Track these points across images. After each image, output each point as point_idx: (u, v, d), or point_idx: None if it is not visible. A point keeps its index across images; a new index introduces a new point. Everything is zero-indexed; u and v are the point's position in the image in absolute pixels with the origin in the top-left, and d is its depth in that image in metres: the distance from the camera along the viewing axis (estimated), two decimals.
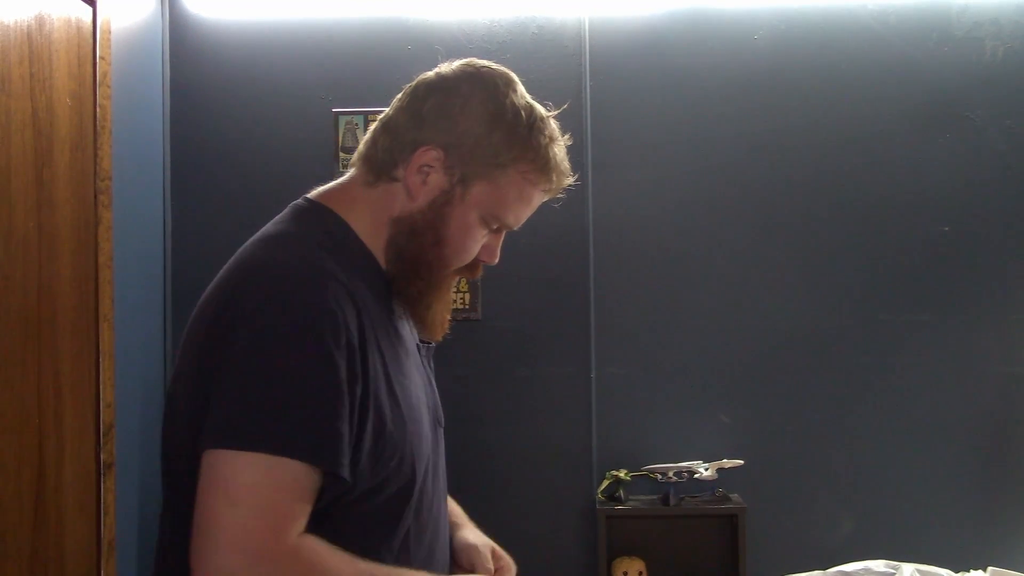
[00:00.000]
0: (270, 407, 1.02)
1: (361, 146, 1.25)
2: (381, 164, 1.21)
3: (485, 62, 1.24)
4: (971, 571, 2.33)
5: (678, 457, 3.04)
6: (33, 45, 2.32)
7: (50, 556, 2.34)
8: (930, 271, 3.08)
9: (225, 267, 1.16)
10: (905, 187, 3.09)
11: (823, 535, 3.05)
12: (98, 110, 2.60)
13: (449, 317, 1.28)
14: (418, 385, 1.24)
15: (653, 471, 2.98)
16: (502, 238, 1.28)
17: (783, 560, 3.04)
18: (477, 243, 1.23)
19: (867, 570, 2.11)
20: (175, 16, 3.16)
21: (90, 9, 2.58)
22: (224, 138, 3.15)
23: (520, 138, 1.18)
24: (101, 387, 2.57)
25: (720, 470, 2.96)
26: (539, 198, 1.25)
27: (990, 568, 2.28)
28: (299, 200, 1.24)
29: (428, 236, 1.19)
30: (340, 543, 1.07)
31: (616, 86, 3.13)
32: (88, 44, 2.58)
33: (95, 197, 2.59)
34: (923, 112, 3.09)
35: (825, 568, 2.34)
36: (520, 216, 1.24)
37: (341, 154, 3.08)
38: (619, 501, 2.99)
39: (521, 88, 1.23)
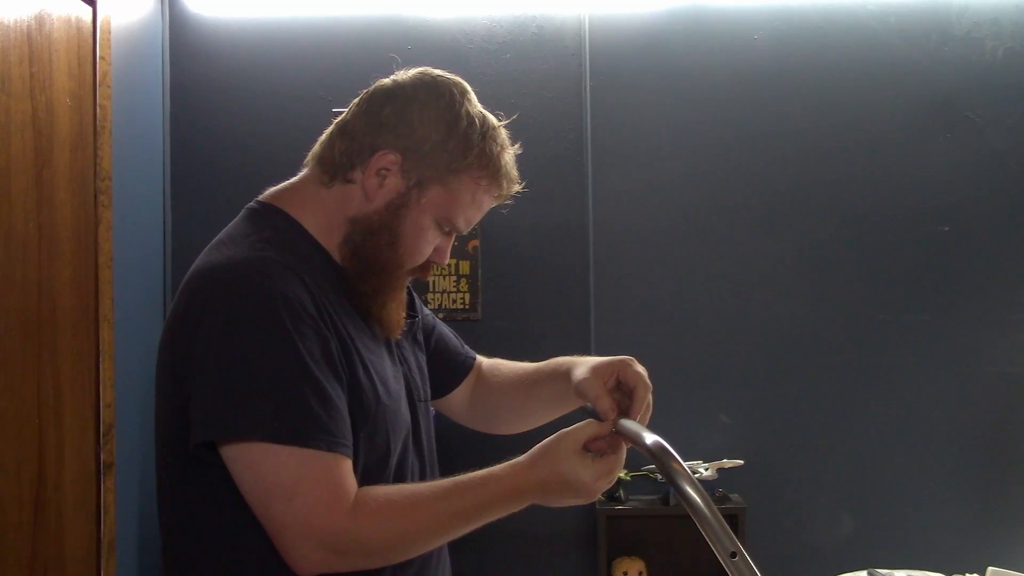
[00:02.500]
0: (257, 397, 1.08)
1: (316, 147, 1.30)
2: (337, 166, 1.25)
3: (439, 72, 1.29)
4: (967, 575, 2.33)
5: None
6: (33, 45, 2.31)
7: (50, 556, 2.34)
8: (930, 271, 3.08)
9: (184, 278, 1.21)
10: (905, 187, 3.09)
11: (823, 535, 3.05)
12: (98, 110, 2.60)
13: (404, 315, 1.33)
14: (389, 366, 1.29)
15: (653, 471, 2.98)
16: (452, 241, 1.33)
17: (783, 560, 3.04)
18: (430, 245, 1.28)
19: None
20: (175, 16, 3.16)
21: (90, 9, 2.58)
22: (224, 138, 3.15)
23: (474, 145, 1.23)
24: (101, 387, 2.57)
25: (720, 470, 2.95)
26: (488, 203, 1.30)
27: (990, 568, 2.28)
28: (251, 203, 1.29)
29: (383, 236, 1.24)
30: None
31: (616, 86, 3.13)
32: (88, 44, 2.57)
33: (95, 197, 2.59)
34: (923, 112, 3.09)
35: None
36: (471, 220, 1.29)
37: None
38: (619, 501, 2.99)
39: (474, 97, 1.29)
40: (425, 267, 1.31)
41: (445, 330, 1.56)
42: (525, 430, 1.58)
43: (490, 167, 1.25)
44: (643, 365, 1.36)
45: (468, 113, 1.25)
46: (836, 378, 3.08)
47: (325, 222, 1.25)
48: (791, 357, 3.09)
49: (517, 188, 1.31)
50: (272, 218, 1.25)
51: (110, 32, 2.68)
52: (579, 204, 3.11)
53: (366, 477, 1.18)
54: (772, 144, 3.11)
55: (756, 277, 3.10)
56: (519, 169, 1.31)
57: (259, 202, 1.29)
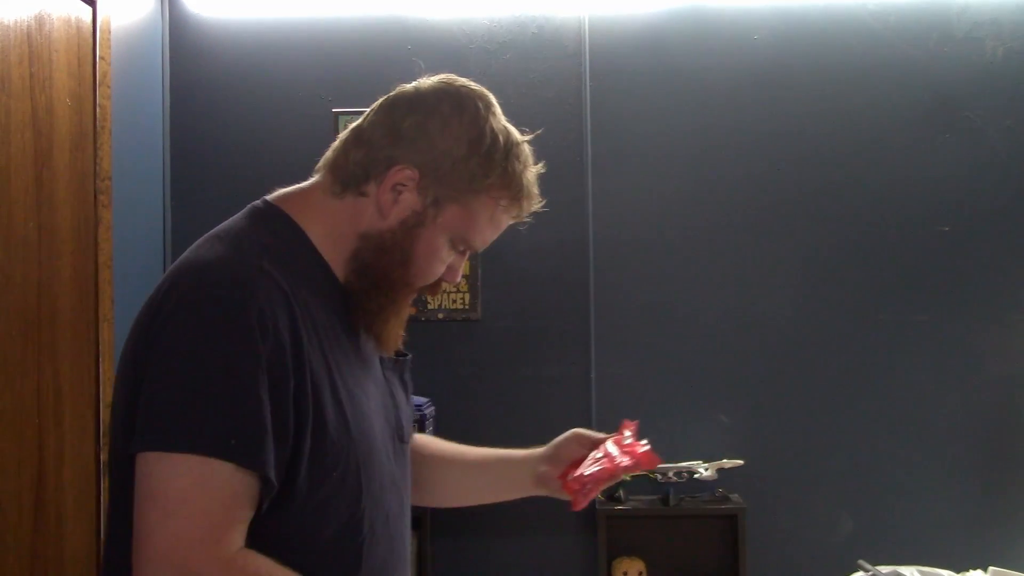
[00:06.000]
0: (194, 407, 1.00)
1: (329, 153, 1.23)
2: (351, 177, 1.19)
3: (464, 81, 1.23)
4: (971, 571, 2.32)
5: (678, 457, 3.04)
6: (33, 45, 2.31)
7: (50, 556, 2.34)
8: (930, 271, 3.08)
9: (173, 265, 1.15)
10: (905, 187, 3.09)
11: (823, 535, 3.05)
12: (98, 110, 2.60)
13: (403, 333, 1.27)
14: (373, 398, 1.22)
15: (653, 471, 2.98)
16: (465, 258, 1.27)
17: (783, 560, 3.04)
18: (443, 264, 1.22)
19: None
20: (175, 16, 3.16)
21: (90, 9, 2.58)
22: (224, 138, 3.15)
23: (497, 164, 1.18)
24: (101, 387, 2.57)
25: (720, 470, 2.95)
26: (506, 222, 1.25)
27: (991, 568, 2.27)
28: (257, 201, 1.22)
29: (396, 255, 1.18)
30: (287, 561, 1.05)
31: (616, 86, 3.13)
32: (88, 44, 2.57)
33: (95, 197, 2.59)
34: (923, 112, 3.09)
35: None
36: (487, 239, 1.24)
37: None
38: (619, 501, 2.99)
39: (498, 110, 1.22)
40: (435, 286, 1.26)
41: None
42: (452, 506, 1.54)
43: (512, 187, 1.20)
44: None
45: (492, 129, 1.19)
46: (836, 378, 3.08)
47: (332, 233, 1.19)
48: (791, 357, 3.09)
49: (537, 206, 1.26)
50: (276, 222, 1.18)
51: (110, 32, 2.68)
52: (579, 204, 3.11)
53: (338, 517, 1.12)
54: (771, 143, 3.11)
55: (756, 276, 3.10)
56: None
57: (265, 202, 1.22)
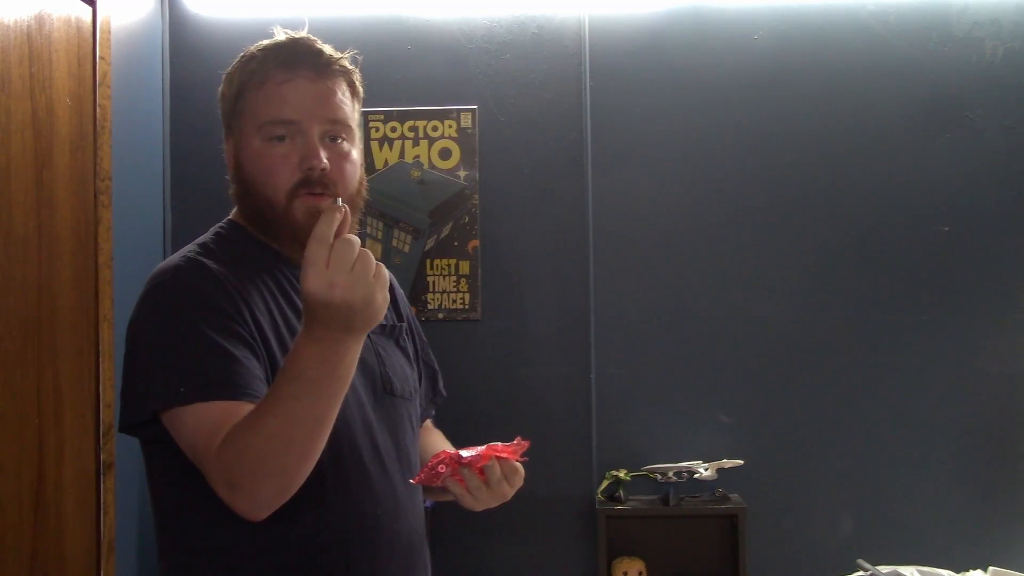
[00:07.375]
0: (167, 370, 1.21)
1: None
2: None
3: None
4: (971, 571, 2.33)
5: (678, 457, 3.04)
6: (33, 45, 2.31)
7: (50, 556, 2.34)
8: (930, 271, 3.08)
9: None
10: (905, 187, 3.09)
11: (823, 535, 3.06)
12: (98, 110, 2.60)
13: None
14: None
15: (653, 471, 2.98)
16: (314, 138, 1.31)
17: (783, 560, 3.04)
18: (275, 158, 1.31)
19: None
20: (175, 16, 3.16)
21: (90, 9, 2.58)
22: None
23: (236, 75, 1.40)
24: (101, 387, 2.57)
25: (720, 470, 2.95)
26: (285, 82, 1.36)
27: (991, 568, 2.28)
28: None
29: (240, 187, 1.36)
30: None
31: (616, 86, 3.13)
32: (88, 44, 2.57)
33: (95, 197, 2.59)
34: (923, 112, 3.09)
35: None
36: (283, 100, 1.33)
37: None
38: (619, 501, 2.99)
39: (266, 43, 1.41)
40: (309, 180, 1.29)
41: (429, 371, 1.60)
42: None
43: (256, 73, 1.37)
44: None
45: (239, 61, 1.41)
46: (836, 378, 3.08)
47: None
48: (791, 357, 3.09)
49: (290, 35, 1.44)
50: (223, 228, 1.40)
51: (110, 32, 2.68)
52: (579, 204, 3.11)
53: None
54: (771, 144, 3.11)
55: (756, 276, 3.10)
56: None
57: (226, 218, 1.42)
